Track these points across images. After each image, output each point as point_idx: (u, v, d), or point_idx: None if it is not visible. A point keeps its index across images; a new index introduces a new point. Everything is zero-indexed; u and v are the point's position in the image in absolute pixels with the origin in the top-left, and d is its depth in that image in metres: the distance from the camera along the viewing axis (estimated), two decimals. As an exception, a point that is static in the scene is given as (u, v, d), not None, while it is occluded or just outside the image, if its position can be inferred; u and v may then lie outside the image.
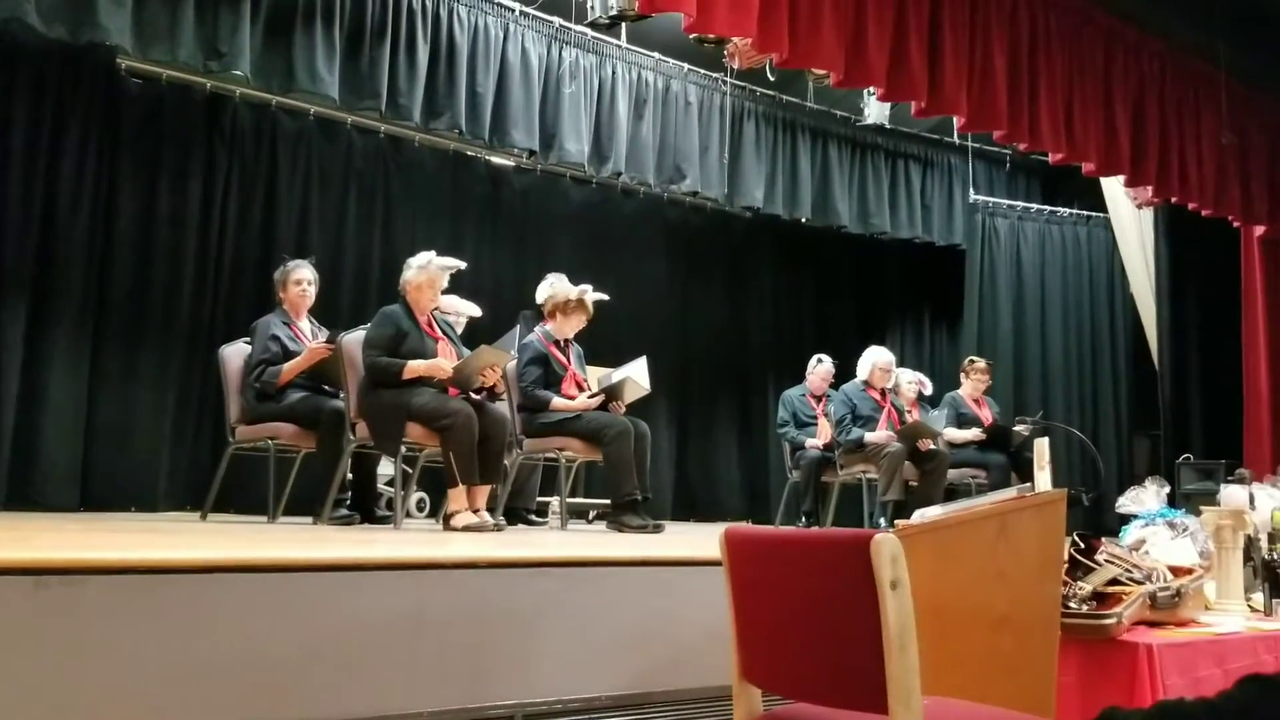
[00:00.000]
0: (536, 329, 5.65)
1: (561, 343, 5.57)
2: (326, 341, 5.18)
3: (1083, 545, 2.51)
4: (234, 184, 6.78)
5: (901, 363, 8.07)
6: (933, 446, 6.76)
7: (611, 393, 5.47)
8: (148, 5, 5.59)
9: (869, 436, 6.74)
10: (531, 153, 7.35)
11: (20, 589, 1.90)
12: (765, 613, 1.73)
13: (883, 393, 7.04)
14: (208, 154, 6.68)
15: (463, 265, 5.20)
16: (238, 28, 5.87)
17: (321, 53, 6.18)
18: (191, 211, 6.56)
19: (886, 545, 1.47)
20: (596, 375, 5.76)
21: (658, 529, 5.18)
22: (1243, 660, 2.45)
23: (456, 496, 4.63)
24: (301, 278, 5.42)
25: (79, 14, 5.35)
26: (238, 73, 6.02)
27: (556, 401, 5.37)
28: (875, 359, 7.08)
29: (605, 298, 5.78)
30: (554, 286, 6.46)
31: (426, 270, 4.97)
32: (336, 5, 6.26)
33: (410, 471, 5.40)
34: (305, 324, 5.45)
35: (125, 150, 6.36)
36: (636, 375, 5.61)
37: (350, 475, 5.24)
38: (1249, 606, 3.05)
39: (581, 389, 5.52)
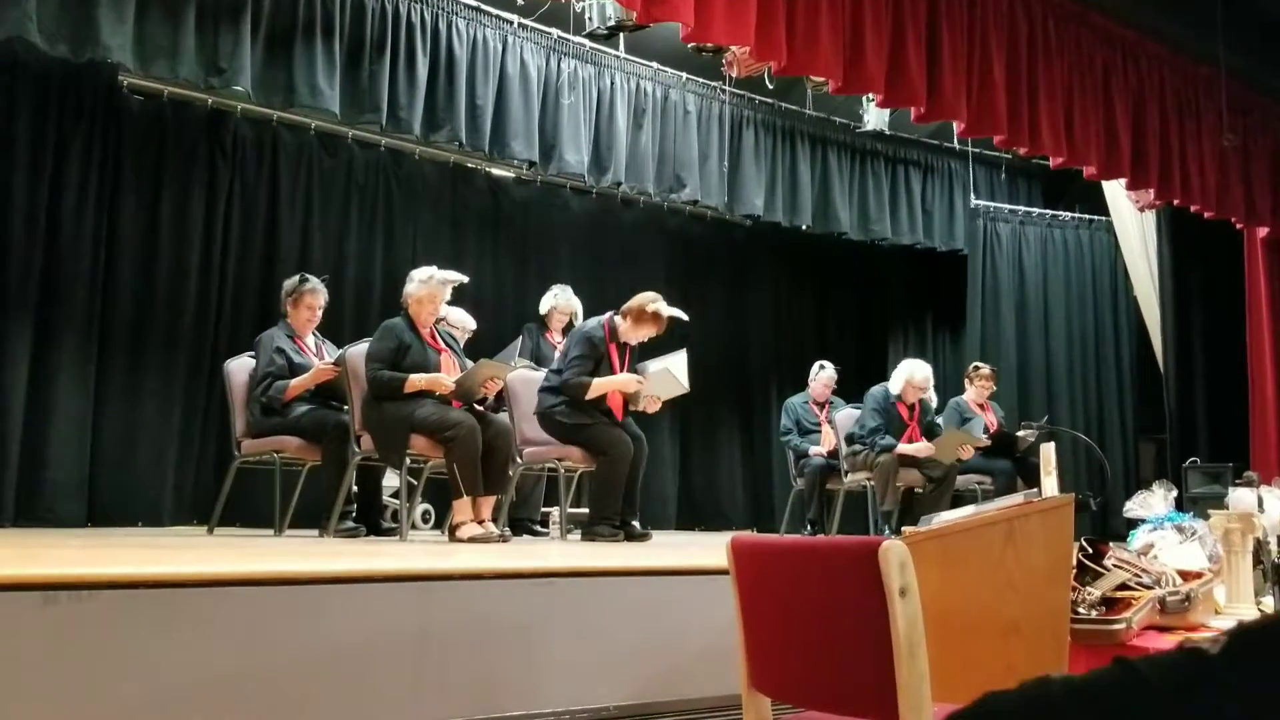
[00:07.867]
0: (608, 315, 5.43)
1: (622, 346, 5.43)
2: (334, 362, 5.19)
3: (1090, 550, 2.50)
4: (236, 199, 6.80)
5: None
6: (963, 458, 6.68)
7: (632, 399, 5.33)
8: (149, 23, 5.61)
9: (904, 448, 6.56)
10: (531, 164, 7.34)
11: (30, 605, 1.91)
12: (773, 621, 1.72)
13: (910, 408, 6.84)
14: (209, 169, 6.70)
15: (465, 279, 5.21)
16: (238, 44, 5.89)
17: (322, 67, 6.20)
18: (194, 226, 6.59)
19: (894, 552, 1.47)
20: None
21: (644, 537, 5.15)
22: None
23: (461, 508, 4.63)
24: (315, 303, 5.43)
25: (81, 32, 5.37)
26: (238, 88, 6.03)
27: (598, 381, 5.19)
28: (910, 375, 6.81)
29: (684, 316, 5.59)
30: (558, 298, 6.50)
31: (428, 285, 4.99)
32: (336, 20, 6.28)
33: (415, 483, 5.40)
34: (310, 338, 5.47)
35: (127, 166, 6.38)
36: (675, 368, 5.36)
37: (355, 488, 5.26)
38: (1259, 610, 3.04)
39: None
